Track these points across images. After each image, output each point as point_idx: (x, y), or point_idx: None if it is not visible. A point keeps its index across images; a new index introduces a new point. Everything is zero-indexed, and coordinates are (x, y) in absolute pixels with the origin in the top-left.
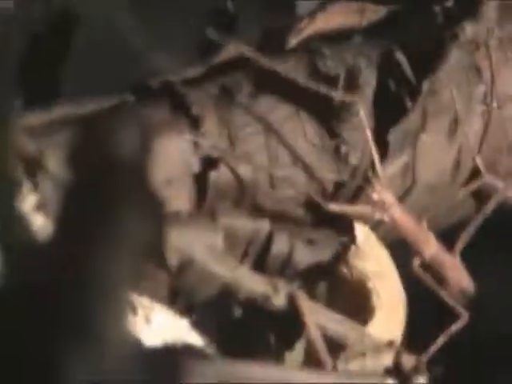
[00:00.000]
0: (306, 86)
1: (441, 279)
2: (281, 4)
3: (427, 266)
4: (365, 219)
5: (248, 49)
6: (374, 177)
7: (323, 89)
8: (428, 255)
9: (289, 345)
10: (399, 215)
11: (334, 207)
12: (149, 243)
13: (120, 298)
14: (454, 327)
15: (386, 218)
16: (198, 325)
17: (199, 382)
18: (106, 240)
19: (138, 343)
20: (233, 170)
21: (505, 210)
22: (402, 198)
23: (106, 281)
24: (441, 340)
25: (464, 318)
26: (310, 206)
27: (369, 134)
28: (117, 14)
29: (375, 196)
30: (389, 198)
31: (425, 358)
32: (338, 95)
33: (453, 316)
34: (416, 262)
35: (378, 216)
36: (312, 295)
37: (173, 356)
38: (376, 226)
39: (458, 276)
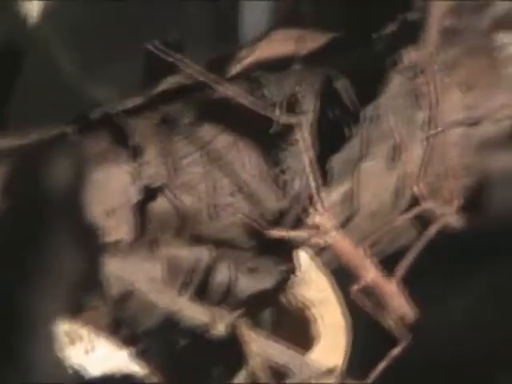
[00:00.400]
0: (247, 112)
1: (381, 305)
2: (224, 34)
3: (368, 291)
4: (309, 245)
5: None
6: (312, 202)
7: (268, 111)
8: (367, 280)
9: (233, 373)
10: (337, 240)
11: (274, 233)
12: (86, 274)
13: (50, 329)
14: (395, 351)
15: (324, 243)
16: (142, 354)
17: None
18: (38, 271)
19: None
20: (173, 200)
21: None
22: (343, 225)
23: (37, 311)
24: (382, 364)
25: (404, 341)
26: (253, 234)
27: (305, 157)
28: (57, 48)
29: (317, 218)
30: (326, 222)
31: (371, 378)
32: (281, 117)
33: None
34: (355, 288)
35: (315, 241)
36: (255, 323)
37: None
38: (320, 252)
39: (397, 302)
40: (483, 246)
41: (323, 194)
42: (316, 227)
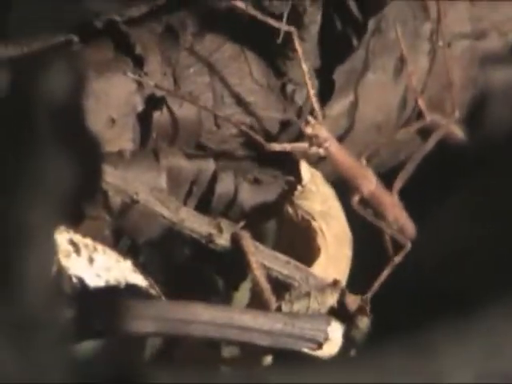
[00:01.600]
0: (252, 22)
1: (379, 216)
2: None
3: (367, 203)
4: (308, 156)
5: None
6: (309, 111)
7: (269, 20)
8: (366, 192)
9: (236, 285)
10: (334, 149)
11: (273, 146)
12: (86, 183)
13: (48, 238)
14: (397, 258)
15: (322, 153)
16: (144, 265)
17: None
18: (34, 179)
19: (70, 282)
20: (177, 110)
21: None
22: (345, 136)
23: (33, 219)
24: (385, 273)
25: (406, 247)
26: (256, 145)
27: (304, 67)
28: None
29: (309, 130)
30: (323, 132)
31: (369, 294)
32: (281, 25)
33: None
34: (355, 199)
35: (314, 150)
36: (258, 235)
37: (115, 296)
38: (320, 164)
39: (396, 213)
40: (479, 160)
41: (318, 104)
42: (311, 136)
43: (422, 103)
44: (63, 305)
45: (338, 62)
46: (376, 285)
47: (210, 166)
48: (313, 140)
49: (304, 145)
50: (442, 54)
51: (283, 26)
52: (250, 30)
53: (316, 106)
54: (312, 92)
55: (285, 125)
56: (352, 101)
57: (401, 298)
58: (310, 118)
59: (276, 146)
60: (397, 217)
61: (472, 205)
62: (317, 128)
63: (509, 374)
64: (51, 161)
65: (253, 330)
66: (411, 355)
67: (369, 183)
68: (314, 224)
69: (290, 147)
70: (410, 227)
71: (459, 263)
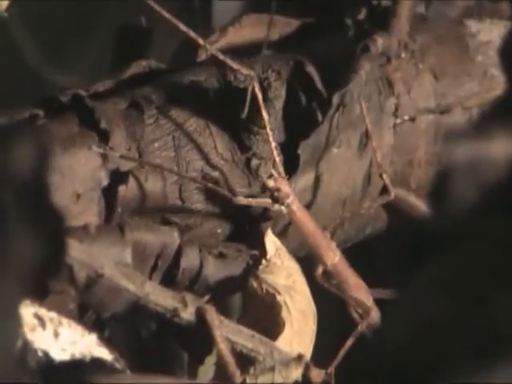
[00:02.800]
0: (217, 96)
1: (342, 290)
2: (196, 17)
3: (330, 276)
4: (271, 214)
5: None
6: (270, 166)
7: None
8: (330, 264)
9: (200, 359)
10: (296, 208)
11: (240, 199)
12: (50, 258)
13: (12, 313)
14: (360, 327)
15: (285, 210)
16: (109, 339)
17: None
18: None
19: (36, 356)
20: (142, 184)
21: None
22: (311, 210)
23: None
24: (348, 343)
25: (369, 317)
26: (221, 219)
27: (265, 116)
28: (22, 34)
29: (271, 183)
30: (285, 186)
31: (334, 364)
32: (236, 66)
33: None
34: (319, 270)
35: (276, 208)
36: (223, 309)
37: (80, 370)
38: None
39: (362, 296)
40: (444, 236)
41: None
42: (273, 189)
43: (386, 178)
44: (28, 379)
45: (303, 136)
46: (340, 354)
47: (174, 240)
48: (275, 195)
49: (268, 200)
50: (407, 130)
51: (244, 71)
52: (214, 105)
53: (278, 160)
54: (273, 145)
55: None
56: (317, 175)
57: (366, 374)
58: (272, 171)
59: (242, 200)
60: (360, 300)
61: (437, 281)
62: (279, 181)
63: None
64: (16, 235)
65: None
66: None
67: (332, 255)
68: (279, 298)
69: (255, 202)
70: (374, 314)
71: (425, 340)
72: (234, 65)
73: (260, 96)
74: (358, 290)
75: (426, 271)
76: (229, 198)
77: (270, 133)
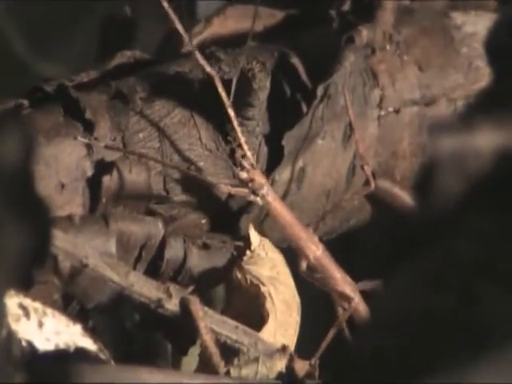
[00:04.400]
0: (202, 87)
1: (324, 283)
2: (180, 8)
3: (314, 269)
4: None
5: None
6: (243, 157)
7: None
8: (312, 257)
9: (184, 350)
10: (271, 198)
11: (222, 187)
12: (34, 248)
13: None
14: (342, 319)
15: (260, 201)
16: (93, 330)
17: None
18: None
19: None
20: (127, 175)
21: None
22: (295, 202)
23: None
24: (330, 334)
25: (350, 308)
26: (205, 210)
27: (231, 113)
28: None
29: (244, 174)
30: (258, 177)
31: (317, 355)
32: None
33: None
34: (303, 265)
35: (252, 198)
36: (207, 300)
37: (64, 360)
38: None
39: (341, 285)
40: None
41: (252, 154)
42: (247, 180)
43: (367, 170)
44: (12, 368)
45: (287, 127)
46: (323, 345)
47: (159, 231)
48: (249, 186)
49: (246, 190)
50: (391, 122)
51: (207, 69)
52: (199, 96)
53: (248, 153)
54: (242, 139)
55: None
56: (301, 167)
57: (350, 366)
58: (244, 163)
59: (224, 188)
60: (344, 293)
61: (422, 274)
62: (251, 173)
63: None
64: (1, 225)
65: None
66: None
67: (315, 248)
68: (263, 289)
69: (235, 190)
70: (361, 307)
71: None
72: (201, 60)
73: (224, 95)
74: (343, 284)
75: (410, 264)
76: (211, 186)
77: (237, 127)
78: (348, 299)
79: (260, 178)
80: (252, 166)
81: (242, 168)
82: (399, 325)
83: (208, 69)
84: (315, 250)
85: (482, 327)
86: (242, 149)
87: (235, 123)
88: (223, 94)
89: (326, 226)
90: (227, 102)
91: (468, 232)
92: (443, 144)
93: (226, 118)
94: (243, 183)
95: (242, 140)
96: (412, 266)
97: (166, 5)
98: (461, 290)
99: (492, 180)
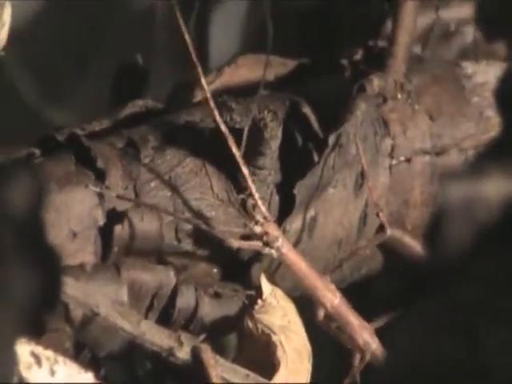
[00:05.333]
0: (213, 136)
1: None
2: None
3: (331, 318)
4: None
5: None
6: (255, 207)
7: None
8: (329, 306)
9: None
10: (286, 250)
11: (232, 242)
12: (46, 297)
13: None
14: (357, 369)
15: (275, 253)
16: (105, 378)
17: None
18: None
19: None
20: (138, 224)
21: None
22: (307, 251)
23: None
24: (347, 381)
25: (365, 358)
26: (217, 259)
27: (238, 161)
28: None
29: (258, 229)
30: (273, 230)
31: None
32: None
33: None
34: (320, 314)
35: (267, 251)
36: (219, 348)
37: None
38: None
39: (365, 337)
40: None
41: (263, 204)
42: (261, 234)
43: (383, 217)
44: None
45: (299, 176)
46: None
47: (170, 279)
48: (263, 239)
49: (259, 244)
50: (402, 171)
51: (220, 122)
52: (210, 145)
53: (261, 205)
54: (255, 193)
55: (246, 239)
56: (312, 216)
57: None
58: (258, 217)
59: (235, 243)
60: (366, 341)
61: (430, 321)
62: (266, 225)
63: None
64: (12, 273)
65: None
66: None
67: (332, 296)
68: (274, 338)
69: (247, 245)
70: (380, 353)
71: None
72: (215, 113)
73: (235, 150)
74: (361, 330)
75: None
76: (222, 241)
77: (248, 178)
78: (363, 351)
79: (274, 231)
80: (265, 218)
81: (256, 222)
82: (409, 369)
83: (221, 125)
84: (333, 299)
85: (488, 371)
86: (254, 199)
87: (247, 175)
88: (235, 149)
89: (337, 275)
90: (239, 156)
91: (476, 278)
92: (452, 192)
93: (237, 169)
94: (257, 236)
95: (254, 190)
96: (421, 313)
97: (192, 51)
98: (468, 334)
99: (501, 228)
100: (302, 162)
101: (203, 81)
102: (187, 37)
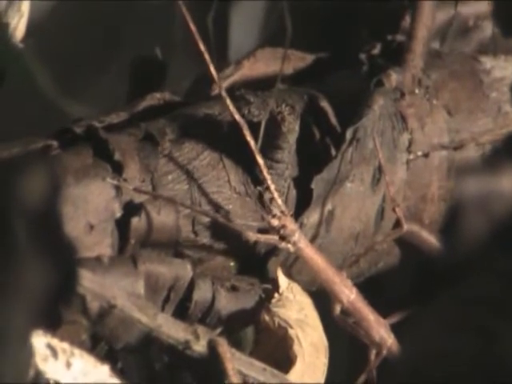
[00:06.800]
0: (231, 129)
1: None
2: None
3: (347, 314)
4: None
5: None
6: (273, 204)
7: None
8: (346, 301)
9: None
10: (303, 244)
11: (250, 235)
12: (62, 289)
13: (23, 343)
14: (373, 365)
15: (292, 247)
16: (122, 371)
17: None
18: (10, 286)
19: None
20: (155, 216)
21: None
22: (324, 245)
23: (8, 326)
24: (361, 380)
25: (382, 354)
26: (233, 252)
27: (260, 161)
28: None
29: (275, 222)
30: (290, 223)
31: None
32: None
33: None
34: (336, 309)
35: (283, 246)
36: (235, 342)
37: None
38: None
39: (381, 332)
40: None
41: (280, 197)
42: (278, 228)
43: (399, 212)
44: None
45: (316, 171)
46: None
47: (187, 272)
48: (281, 233)
49: (275, 237)
50: (420, 166)
51: (236, 117)
52: (228, 139)
53: (278, 199)
54: (272, 186)
55: (262, 233)
56: (330, 210)
57: None
58: (275, 210)
59: (252, 236)
60: (375, 332)
61: (445, 317)
62: (283, 219)
63: None
64: (29, 266)
65: None
66: None
67: (348, 292)
68: (291, 332)
69: (264, 238)
70: (390, 344)
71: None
72: (231, 107)
73: (252, 143)
74: (378, 326)
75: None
76: (239, 234)
77: (265, 172)
78: (380, 346)
79: (291, 225)
80: (283, 212)
81: (273, 215)
82: (424, 365)
83: (237, 117)
84: (349, 294)
85: (504, 367)
86: (271, 192)
87: (264, 169)
88: (251, 142)
89: (355, 270)
90: (255, 149)
91: (492, 273)
92: (469, 187)
93: (255, 162)
94: (274, 230)
95: (271, 184)
96: (436, 308)
97: (202, 47)
98: (484, 329)
99: None
100: (320, 156)
101: (213, 72)
102: (195, 33)
